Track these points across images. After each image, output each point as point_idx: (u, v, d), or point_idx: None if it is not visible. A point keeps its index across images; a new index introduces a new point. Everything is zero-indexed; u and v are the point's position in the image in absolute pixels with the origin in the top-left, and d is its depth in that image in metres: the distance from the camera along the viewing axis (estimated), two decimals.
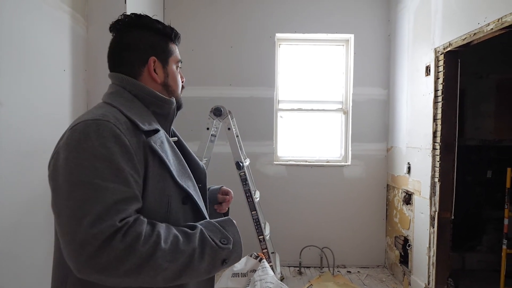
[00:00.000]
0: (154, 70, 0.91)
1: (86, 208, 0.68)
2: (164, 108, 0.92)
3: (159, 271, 0.71)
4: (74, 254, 0.67)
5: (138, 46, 0.90)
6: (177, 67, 0.98)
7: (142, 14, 0.94)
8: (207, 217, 0.91)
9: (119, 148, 0.74)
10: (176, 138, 0.98)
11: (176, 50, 0.98)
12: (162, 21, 0.96)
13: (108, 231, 0.67)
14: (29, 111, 1.81)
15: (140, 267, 0.69)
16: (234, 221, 0.88)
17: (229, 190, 1.12)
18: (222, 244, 0.80)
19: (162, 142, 0.84)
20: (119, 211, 0.70)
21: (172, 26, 0.97)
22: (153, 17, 0.94)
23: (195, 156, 1.03)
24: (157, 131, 0.85)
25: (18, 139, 1.73)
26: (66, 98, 2.15)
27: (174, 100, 0.95)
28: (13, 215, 1.69)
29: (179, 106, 0.98)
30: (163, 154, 0.82)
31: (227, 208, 1.12)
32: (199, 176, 0.97)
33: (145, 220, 0.75)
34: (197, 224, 0.83)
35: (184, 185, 0.85)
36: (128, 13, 1.05)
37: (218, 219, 0.88)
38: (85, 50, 2.36)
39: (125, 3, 2.40)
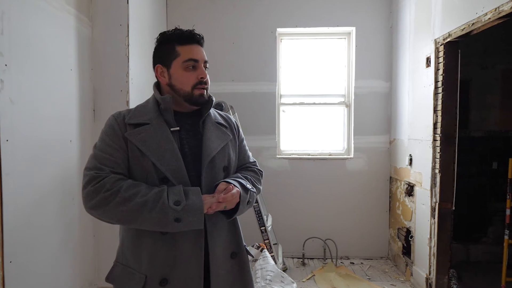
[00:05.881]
0: (161, 74, 1.12)
1: (88, 160, 1.04)
2: (163, 104, 1.09)
3: (115, 211, 0.94)
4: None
5: (153, 59, 1.15)
6: (187, 66, 1.08)
7: (165, 31, 1.14)
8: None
9: (109, 131, 1.05)
10: (177, 128, 1.09)
11: (186, 51, 1.08)
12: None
13: (88, 175, 0.99)
14: (39, 109, 1.91)
15: (100, 205, 0.95)
16: (200, 191, 0.99)
17: (221, 189, 1.03)
18: (174, 205, 0.94)
19: (141, 132, 1.04)
20: (97, 167, 1.00)
21: (187, 29, 1.10)
22: (179, 27, 1.12)
23: (209, 144, 1.09)
24: (144, 124, 1.05)
25: (29, 135, 1.83)
26: (73, 96, 2.25)
27: (167, 97, 1.09)
28: (26, 208, 1.80)
29: (193, 102, 1.10)
30: (137, 142, 1.02)
31: (222, 207, 1.02)
32: (203, 160, 1.08)
33: (117, 177, 0.99)
34: (165, 186, 1.00)
35: (161, 168, 1.00)
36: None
37: (190, 187, 1.00)
38: (90, 50, 2.45)
39: (128, 3, 2.48)
